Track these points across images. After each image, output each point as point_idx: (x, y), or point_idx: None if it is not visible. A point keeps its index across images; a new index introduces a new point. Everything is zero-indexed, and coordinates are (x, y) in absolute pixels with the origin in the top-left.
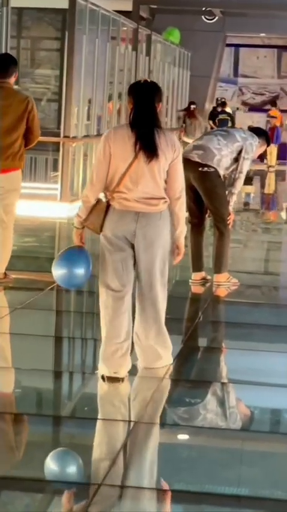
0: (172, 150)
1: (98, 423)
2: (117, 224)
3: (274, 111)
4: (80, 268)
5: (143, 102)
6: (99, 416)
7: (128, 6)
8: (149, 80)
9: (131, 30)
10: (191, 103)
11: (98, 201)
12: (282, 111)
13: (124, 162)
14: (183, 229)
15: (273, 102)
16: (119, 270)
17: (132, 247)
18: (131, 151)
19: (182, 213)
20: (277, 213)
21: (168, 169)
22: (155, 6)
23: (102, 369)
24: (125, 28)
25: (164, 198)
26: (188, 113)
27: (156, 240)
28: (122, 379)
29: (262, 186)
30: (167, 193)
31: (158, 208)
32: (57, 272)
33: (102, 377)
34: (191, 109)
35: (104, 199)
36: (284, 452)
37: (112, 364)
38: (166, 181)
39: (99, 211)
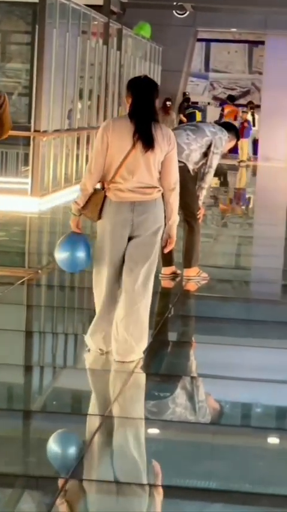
0: (167, 143)
1: (67, 417)
2: (116, 218)
3: (228, 106)
4: (81, 251)
5: (142, 96)
6: (68, 411)
7: (99, 0)
8: (147, 76)
9: (101, 24)
10: (166, 99)
11: (96, 190)
12: (257, 106)
13: (121, 153)
14: (176, 219)
15: (230, 97)
16: (111, 261)
17: (129, 239)
18: (129, 142)
19: (176, 203)
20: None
21: (163, 161)
22: (126, 1)
23: (89, 343)
24: (95, 22)
25: (157, 187)
26: (163, 109)
27: (152, 227)
28: (106, 352)
29: (224, 182)
30: (162, 185)
31: (153, 197)
32: (60, 256)
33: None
34: (168, 105)
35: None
36: (253, 445)
37: (98, 342)
38: (160, 173)
39: (97, 200)
